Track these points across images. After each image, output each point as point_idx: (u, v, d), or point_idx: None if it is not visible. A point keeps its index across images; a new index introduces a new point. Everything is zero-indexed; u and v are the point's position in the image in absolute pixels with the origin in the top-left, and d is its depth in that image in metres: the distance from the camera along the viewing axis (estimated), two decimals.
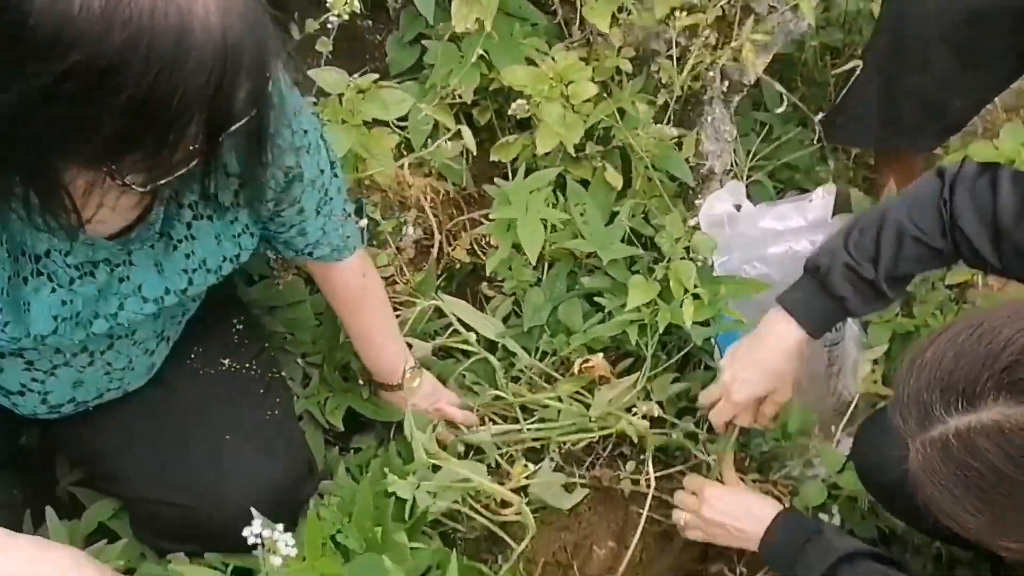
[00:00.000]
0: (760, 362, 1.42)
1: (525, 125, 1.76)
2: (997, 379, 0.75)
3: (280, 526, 0.96)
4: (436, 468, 1.50)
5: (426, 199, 1.78)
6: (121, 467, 1.27)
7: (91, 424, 1.27)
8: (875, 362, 1.69)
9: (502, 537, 1.57)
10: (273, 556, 0.94)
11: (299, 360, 1.61)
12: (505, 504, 1.58)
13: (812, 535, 1.31)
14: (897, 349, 1.75)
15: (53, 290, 1.03)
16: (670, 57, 1.66)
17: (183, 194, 1.08)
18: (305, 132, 1.19)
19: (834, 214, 1.72)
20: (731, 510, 1.45)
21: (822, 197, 1.69)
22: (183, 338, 1.32)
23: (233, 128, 0.87)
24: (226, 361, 1.34)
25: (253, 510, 1.00)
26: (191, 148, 0.86)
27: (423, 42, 1.76)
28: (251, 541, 0.95)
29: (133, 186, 0.86)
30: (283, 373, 1.47)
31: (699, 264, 1.63)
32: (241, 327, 1.40)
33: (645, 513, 1.59)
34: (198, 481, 1.23)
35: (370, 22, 1.94)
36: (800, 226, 1.66)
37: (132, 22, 0.73)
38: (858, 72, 1.70)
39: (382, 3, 1.89)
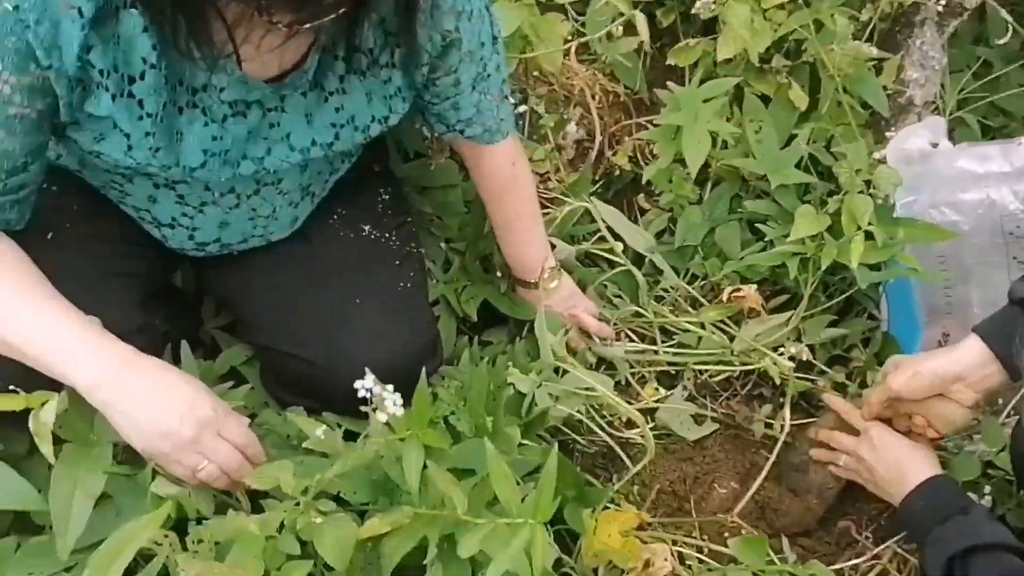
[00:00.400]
0: (941, 371, 1.24)
1: (710, 30, 1.64)
2: None
3: (391, 387, 0.95)
4: (562, 373, 1.46)
5: (593, 99, 1.70)
6: (256, 314, 1.30)
7: (235, 269, 1.30)
8: None
9: (620, 456, 1.52)
10: (380, 413, 0.93)
11: (442, 244, 1.60)
12: (630, 425, 1.53)
13: (958, 511, 1.19)
14: None
15: (206, 124, 1.04)
16: None
17: (339, 46, 1.06)
18: None
19: None
20: (888, 456, 1.32)
21: None
22: (328, 199, 1.33)
23: None
24: (367, 227, 1.33)
25: (367, 369, 0.98)
26: None
27: None
28: (361, 394, 0.94)
29: (279, 24, 0.84)
30: (423, 250, 1.45)
31: (879, 201, 1.48)
32: (387, 198, 1.39)
33: (772, 458, 1.49)
34: (325, 338, 1.23)
35: None
36: (1004, 172, 1.46)
37: None
38: None
39: None
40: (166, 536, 0.94)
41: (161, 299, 1.32)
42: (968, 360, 1.21)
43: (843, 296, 1.59)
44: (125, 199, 1.18)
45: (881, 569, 1.38)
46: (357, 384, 0.95)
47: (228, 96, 1.04)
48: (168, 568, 0.93)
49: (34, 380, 0.99)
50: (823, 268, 1.49)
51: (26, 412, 0.98)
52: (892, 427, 1.36)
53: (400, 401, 0.94)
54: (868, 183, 1.49)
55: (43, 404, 0.97)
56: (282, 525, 0.97)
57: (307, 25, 0.85)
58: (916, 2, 1.54)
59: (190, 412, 1.01)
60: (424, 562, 1.03)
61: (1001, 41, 1.59)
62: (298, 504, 0.95)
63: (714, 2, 1.46)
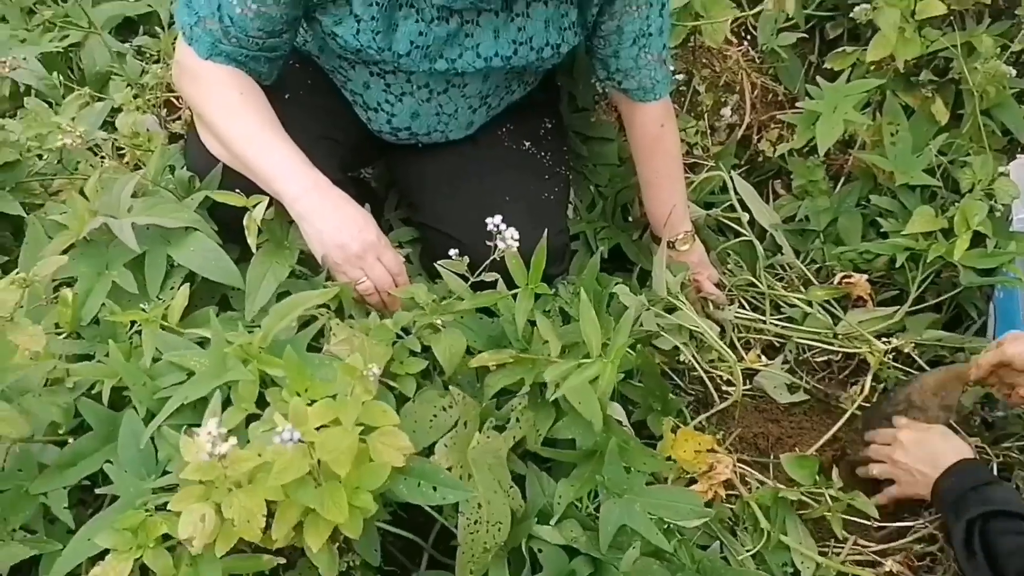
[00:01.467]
0: None
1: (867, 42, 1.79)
2: None
3: (512, 229, 1.18)
4: (672, 312, 1.64)
5: (752, 90, 1.89)
6: (425, 198, 1.58)
7: (416, 158, 1.59)
8: None
9: (713, 401, 1.67)
10: (500, 242, 1.17)
11: (591, 187, 1.83)
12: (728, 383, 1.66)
13: (980, 483, 1.30)
14: None
15: (416, 21, 1.33)
16: None
17: None
18: None
19: None
20: (921, 453, 1.44)
21: None
22: (501, 116, 1.59)
23: None
24: (528, 143, 1.59)
25: (499, 217, 1.20)
26: None
27: None
28: (489, 228, 1.18)
29: None
30: (570, 175, 1.68)
31: (996, 211, 1.60)
32: (550, 127, 1.64)
33: (847, 416, 1.60)
34: (476, 225, 1.45)
35: None
36: None
37: None
38: None
39: None
40: (329, 311, 1.22)
41: (355, 185, 1.62)
42: None
43: (949, 297, 1.69)
44: (346, 83, 1.49)
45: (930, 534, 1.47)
46: (488, 219, 1.19)
47: (437, 2, 1.31)
48: (324, 335, 1.20)
49: (253, 192, 1.30)
50: (931, 261, 1.60)
51: (242, 226, 1.29)
52: (994, 394, 1.48)
53: (517, 236, 1.17)
54: (988, 193, 1.60)
55: (255, 205, 1.28)
56: (409, 330, 1.22)
57: None
58: None
59: (360, 233, 1.29)
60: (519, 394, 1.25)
61: None
62: (424, 314, 1.21)
63: (871, 6, 1.62)
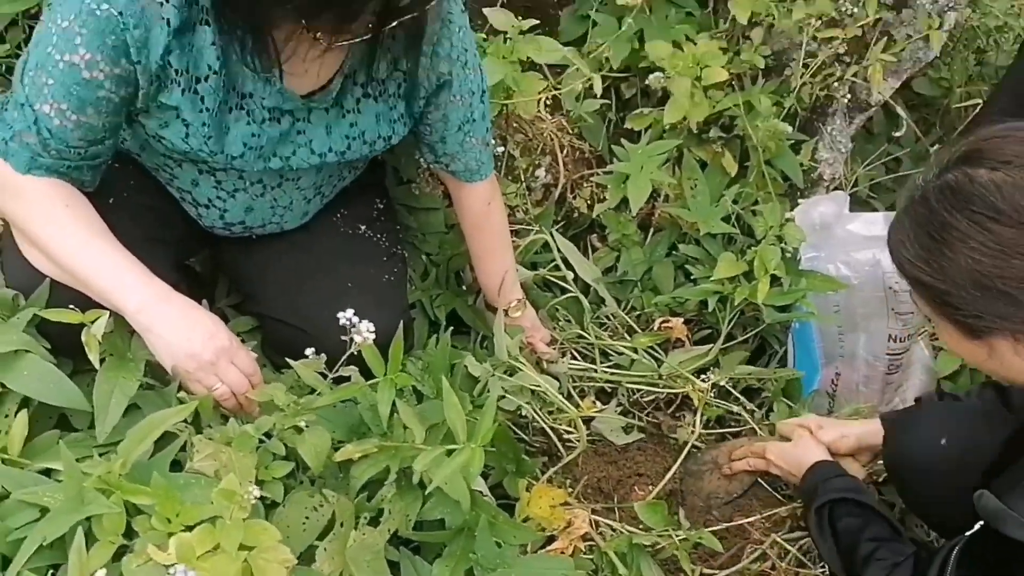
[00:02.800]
0: (864, 440, 1.55)
1: (662, 103, 1.97)
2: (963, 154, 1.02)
3: (366, 321, 1.21)
4: (513, 373, 1.72)
5: (561, 151, 2.02)
6: (264, 289, 1.58)
7: (250, 250, 1.58)
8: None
9: (557, 451, 1.76)
10: (356, 336, 1.20)
11: (423, 257, 1.88)
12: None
13: (825, 479, 1.47)
14: (964, 380, 1.85)
15: (248, 123, 1.33)
16: (805, 65, 1.83)
17: (358, 74, 1.36)
18: (465, 50, 1.45)
19: None
20: (790, 466, 1.59)
21: None
22: (334, 201, 1.61)
23: (401, 18, 1.14)
24: (363, 227, 1.62)
25: (351, 311, 1.23)
26: (367, 23, 1.14)
27: (592, 16, 2.00)
28: (342, 323, 1.20)
29: (319, 39, 1.14)
30: (406, 254, 1.73)
31: (787, 254, 1.79)
32: (381, 207, 1.69)
33: (681, 457, 1.74)
34: (320, 315, 1.45)
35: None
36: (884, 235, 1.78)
37: None
38: (980, 108, 1.81)
39: None
40: (187, 425, 1.20)
41: (185, 277, 1.58)
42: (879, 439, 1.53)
43: (755, 332, 1.88)
44: (172, 181, 1.46)
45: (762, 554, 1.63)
46: (339, 314, 1.21)
47: (268, 103, 1.33)
48: (185, 449, 1.18)
49: (88, 307, 1.26)
50: (737, 303, 1.78)
51: (74, 340, 1.24)
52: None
53: (372, 329, 1.21)
54: (780, 238, 1.80)
55: (94, 320, 1.23)
56: (271, 433, 1.23)
57: (340, 43, 1.14)
58: (829, 95, 1.87)
59: (211, 339, 1.27)
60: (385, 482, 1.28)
61: (896, 134, 1.94)
62: (286, 415, 1.21)
63: (664, 76, 1.78)
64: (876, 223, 1.80)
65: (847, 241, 1.80)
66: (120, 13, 1.16)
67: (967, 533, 1.13)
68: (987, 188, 0.99)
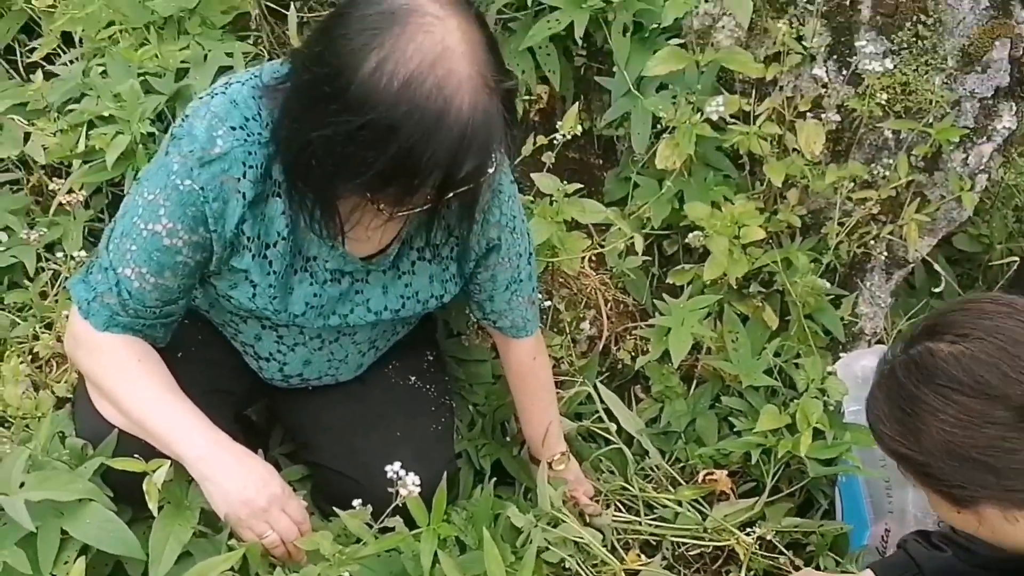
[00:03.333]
0: None
1: (703, 259, 2.04)
2: (925, 328, 1.07)
3: (412, 474, 1.25)
4: (556, 525, 1.74)
5: (605, 304, 2.09)
6: (317, 438, 1.64)
7: (305, 400, 1.65)
8: None
9: None
10: (402, 488, 1.24)
11: (470, 407, 1.94)
12: None
13: None
14: None
15: (311, 284, 1.43)
16: (841, 223, 1.89)
17: (415, 239, 1.46)
18: (513, 217, 1.54)
19: None
20: None
21: None
22: (387, 353, 1.69)
23: (458, 190, 1.24)
24: (413, 378, 1.69)
25: (398, 463, 1.28)
26: (427, 196, 1.24)
27: (635, 178, 2.11)
28: (389, 475, 1.25)
29: (383, 210, 1.24)
30: (454, 404, 1.79)
31: (830, 407, 1.81)
32: (431, 358, 1.76)
33: None
34: (371, 465, 1.50)
35: (600, 160, 2.34)
36: None
37: (414, 100, 1.10)
38: (1018, 266, 1.84)
39: (612, 145, 2.29)
40: (235, 574, 1.24)
41: (238, 430, 1.66)
42: None
43: (800, 486, 1.87)
44: (237, 336, 1.56)
45: None
46: (387, 467, 1.26)
47: (330, 266, 1.42)
48: None
49: (150, 455, 1.33)
50: (779, 455, 1.79)
51: (136, 488, 1.31)
52: None
53: (418, 481, 1.25)
54: (822, 391, 1.82)
55: (156, 469, 1.30)
56: None
57: (402, 212, 1.24)
58: (867, 252, 1.93)
59: (265, 487, 1.33)
60: None
61: (937, 289, 1.97)
62: (331, 565, 1.25)
63: (703, 235, 1.86)
64: None
65: None
66: (202, 188, 1.27)
67: None
68: (947, 361, 1.03)
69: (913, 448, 1.06)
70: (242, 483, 1.32)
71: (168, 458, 1.32)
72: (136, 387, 1.35)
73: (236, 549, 1.25)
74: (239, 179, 1.28)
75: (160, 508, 1.31)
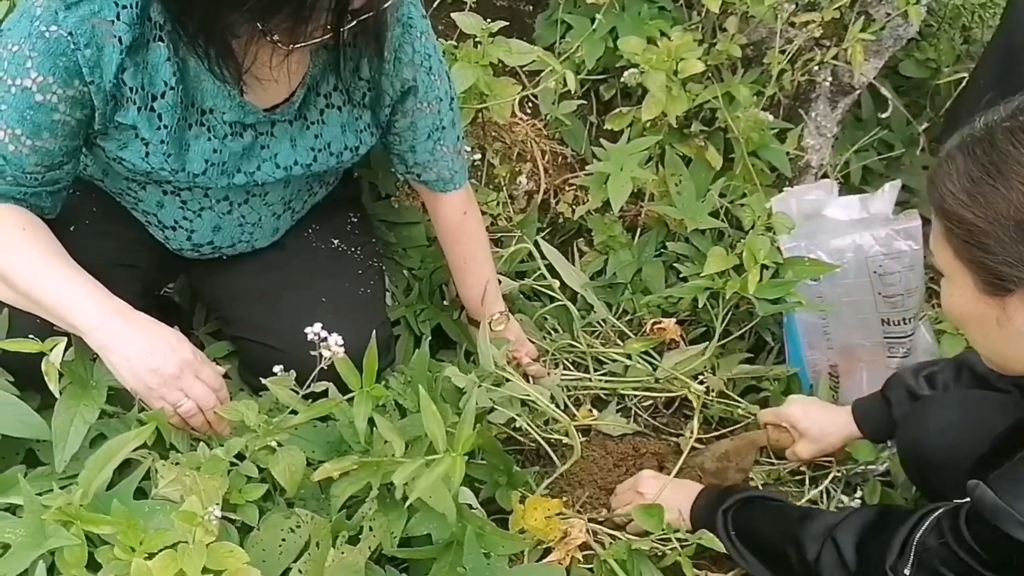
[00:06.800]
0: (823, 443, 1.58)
1: (640, 103, 1.92)
2: None
3: (335, 335, 1.16)
4: (501, 384, 1.66)
5: (543, 156, 1.98)
6: (238, 311, 1.53)
7: (223, 272, 1.54)
8: None
9: (552, 459, 1.70)
10: (325, 350, 1.15)
11: (405, 272, 1.84)
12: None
13: (725, 489, 1.44)
14: None
15: (209, 139, 1.30)
16: (783, 51, 1.78)
17: (321, 84, 1.33)
18: (428, 56, 1.41)
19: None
20: (668, 494, 1.52)
21: (887, 192, 1.75)
22: (306, 217, 1.57)
23: (359, 18, 1.11)
24: (336, 241, 1.58)
25: (318, 325, 1.18)
26: (324, 25, 1.10)
27: (566, 17, 1.97)
28: (310, 338, 1.16)
29: (279, 44, 1.11)
30: (383, 267, 1.68)
31: (776, 244, 1.74)
32: (356, 221, 1.64)
33: (682, 459, 1.69)
34: (295, 332, 1.40)
35: (531, 7, 2.18)
36: (862, 218, 1.73)
37: None
38: (964, 84, 1.76)
39: None
40: (149, 451, 1.15)
41: (159, 305, 1.55)
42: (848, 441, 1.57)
43: (749, 327, 1.82)
44: (137, 205, 1.43)
45: None
46: (307, 330, 1.16)
47: (229, 118, 1.29)
48: (150, 477, 1.13)
49: (47, 334, 1.21)
50: (729, 298, 1.73)
51: (39, 373, 1.20)
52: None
53: (341, 342, 1.16)
54: (768, 228, 1.75)
55: (52, 348, 1.19)
56: (243, 455, 1.18)
57: (299, 46, 1.11)
58: (811, 80, 1.83)
59: (174, 353, 1.23)
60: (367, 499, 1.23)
61: (884, 115, 1.89)
62: (257, 436, 1.16)
63: (639, 71, 1.74)
64: (853, 207, 1.74)
65: (826, 229, 1.73)
66: (70, 34, 1.13)
67: (954, 501, 1.07)
68: None
69: (980, 212, 0.98)
70: (148, 350, 1.21)
71: (66, 335, 1.21)
72: (21, 257, 1.23)
73: (148, 424, 1.16)
74: (112, 21, 1.15)
75: (63, 391, 1.20)
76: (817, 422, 1.59)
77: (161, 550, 0.98)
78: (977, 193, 0.99)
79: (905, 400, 1.49)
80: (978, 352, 1.16)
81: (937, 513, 1.09)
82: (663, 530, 1.42)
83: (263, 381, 1.26)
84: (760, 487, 1.66)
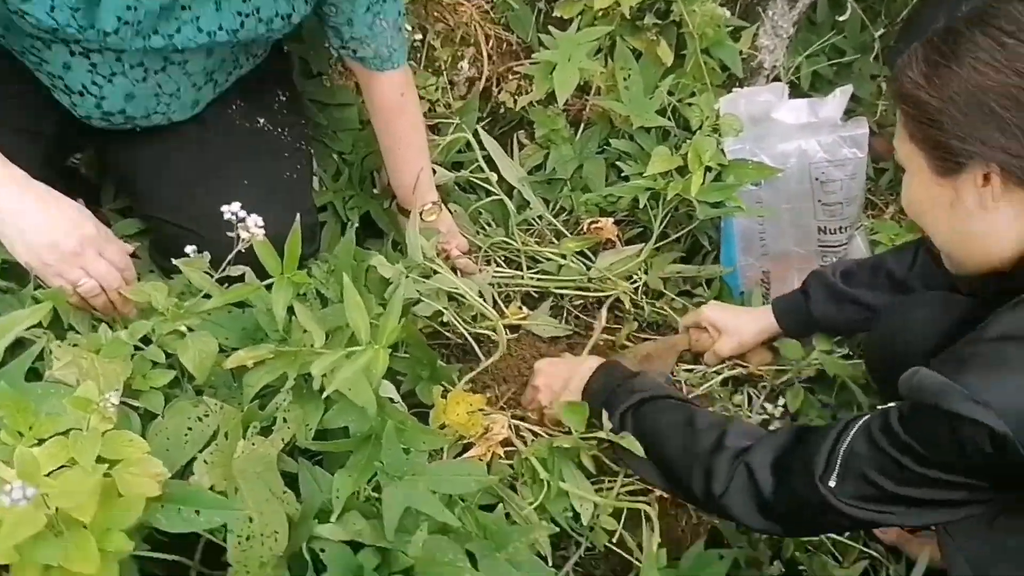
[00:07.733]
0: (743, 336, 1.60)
1: None
2: None
3: (254, 215, 1.09)
4: (429, 276, 1.61)
5: (487, 42, 1.87)
6: (151, 188, 1.44)
7: (137, 146, 1.43)
8: None
9: (477, 355, 1.66)
10: (243, 231, 1.08)
11: (335, 156, 1.75)
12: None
13: (623, 380, 1.38)
14: None
15: None
16: None
17: None
18: None
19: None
20: (559, 385, 1.50)
21: (836, 97, 1.71)
22: (230, 91, 1.46)
23: None
24: (261, 120, 1.48)
25: (237, 204, 1.11)
26: None
27: None
28: (227, 217, 1.08)
29: None
30: (312, 150, 1.59)
31: (722, 147, 1.69)
32: (284, 99, 1.54)
33: (588, 346, 1.67)
34: (212, 214, 1.33)
35: None
36: (810, 122, 1.69)
37: None
38: None
39: None
40: (44, 331, 1.08)
41: (62, 183, 1.44)
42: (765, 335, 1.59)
43: (687, 230, 1.79)
44: (42, 66, 1.30)
45: None
46: (223, 208, 1.09)
47: None
48: (44, 359, 1.06)
49: None
50: (670, 199, 1.68)
51: None
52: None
53: (261, 223, 1.09)
54: (716, 129, 1.69)
55: None
56: (149, 339, 1.11)
57: None
58: None
59: (75, 228, 1.14)
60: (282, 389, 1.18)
61: (841, 18, 1.82)
62: (166, 319, 1.10)
63: None
64: (802, 111, 1.69)
65: (772, 132, 1.69)
66: None
67: (879, 407, 1.06)
68: (1018, 11, 0.97)
69: (934, 92, 1.00)
70: (46, 224, 1.12)
71: None
72: None
73: (44, 303, 1.08)
74: None
75: None
76: (735, 318, 1.61)
77: (52, 436, 0.91)
78: (933, 75, 1.00)
79: (823, 296, 1.51)
80: (939, 250, 1.13)
81: (863, 420, 1.07)
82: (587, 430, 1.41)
83: (175, 262, 1.18)
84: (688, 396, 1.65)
